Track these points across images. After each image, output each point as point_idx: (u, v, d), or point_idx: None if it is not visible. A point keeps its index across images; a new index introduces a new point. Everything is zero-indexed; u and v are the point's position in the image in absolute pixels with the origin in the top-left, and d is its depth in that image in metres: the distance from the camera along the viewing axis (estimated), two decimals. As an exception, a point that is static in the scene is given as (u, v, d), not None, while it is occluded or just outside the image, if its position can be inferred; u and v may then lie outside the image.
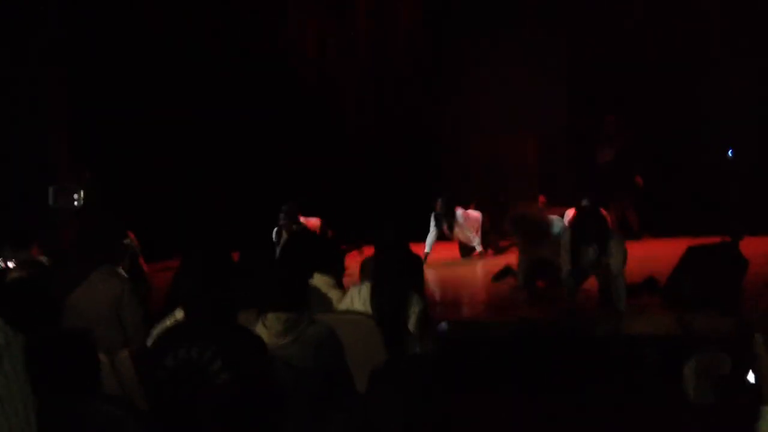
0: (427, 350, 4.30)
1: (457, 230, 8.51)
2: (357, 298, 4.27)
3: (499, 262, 7.94)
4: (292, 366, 3.31)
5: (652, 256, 7.53)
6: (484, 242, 8.67)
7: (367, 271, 4.71)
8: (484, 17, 9.94)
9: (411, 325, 4.21)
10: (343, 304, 4.31)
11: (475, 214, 8.65)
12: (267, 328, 2.96)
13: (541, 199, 8.63)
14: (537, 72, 9.68)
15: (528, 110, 9.38)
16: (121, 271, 4.34)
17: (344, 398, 3.50)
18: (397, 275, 4.23)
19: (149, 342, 3.57)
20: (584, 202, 6.31)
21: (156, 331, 3.61)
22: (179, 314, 3.38)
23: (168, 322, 3.56)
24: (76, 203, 7.35)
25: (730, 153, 5.82)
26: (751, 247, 6.05)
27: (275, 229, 7.83)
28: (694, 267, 5.30)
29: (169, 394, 2.53)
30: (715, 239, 6.21)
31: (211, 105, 9.89)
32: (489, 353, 5.06)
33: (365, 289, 4.29)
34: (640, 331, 5.18)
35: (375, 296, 4.22)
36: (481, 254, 8.64)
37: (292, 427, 3.02)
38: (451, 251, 8.92)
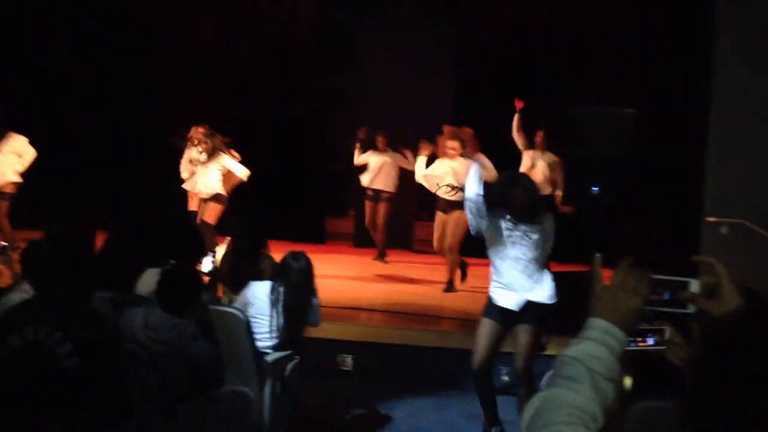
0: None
1: None
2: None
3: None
4: (154, 354, 3.22)
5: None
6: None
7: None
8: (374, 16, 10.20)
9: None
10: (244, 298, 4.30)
11: None
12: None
13: None
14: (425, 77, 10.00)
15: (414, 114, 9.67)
16: None
17: (209, 388, 3.45)
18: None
19: (-5, 315, 3.35)
20: None
21: (3, 303, 3.40)
22: (26, 287, 3.19)
23: (14, 295, 3.36)
24: None
25: (594, 189, 6.12)
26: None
27: None
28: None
29: (10, 375, 2.38)
30: (577, 267, 6.53)
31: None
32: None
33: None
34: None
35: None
36: None
37: (148, 416, 2.93)
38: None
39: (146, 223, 4.37)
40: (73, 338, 2.35)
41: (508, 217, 4.27)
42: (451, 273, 7.33)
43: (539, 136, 7.97)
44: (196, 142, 7.72)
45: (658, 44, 8.55)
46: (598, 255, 1.52)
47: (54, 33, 9.73)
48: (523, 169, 7.64)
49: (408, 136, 8.82)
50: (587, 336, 1.32)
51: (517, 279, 4.32)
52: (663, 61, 8.49)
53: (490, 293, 4.44)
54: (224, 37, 10.39)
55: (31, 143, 8.08)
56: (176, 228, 4.25)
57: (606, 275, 1.44)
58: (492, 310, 4.38)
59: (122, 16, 10.00)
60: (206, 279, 4.26)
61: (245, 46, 10.36)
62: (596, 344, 1.30)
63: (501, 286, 4.37)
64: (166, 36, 10.26)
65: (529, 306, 4.34)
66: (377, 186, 8.73)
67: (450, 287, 7.32)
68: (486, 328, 4.37)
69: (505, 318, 4.35)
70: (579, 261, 6.53)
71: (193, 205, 7.81)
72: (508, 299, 4.35)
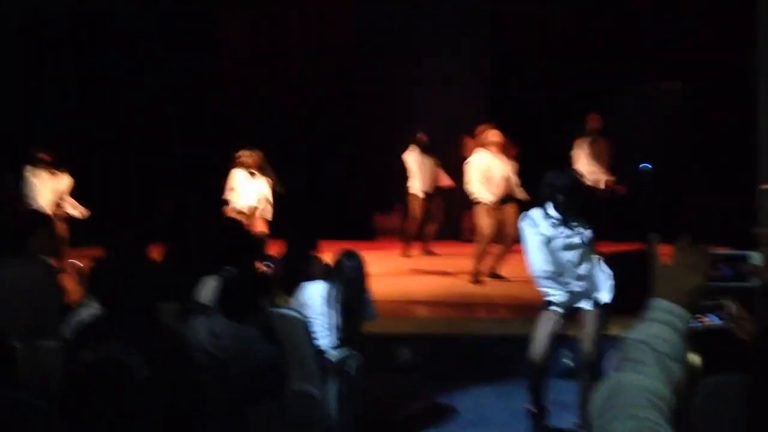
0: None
1: None
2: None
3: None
4: (220, 360, 3.29)
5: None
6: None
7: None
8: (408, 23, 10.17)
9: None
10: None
11: None
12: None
13: None
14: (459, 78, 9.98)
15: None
16: (45, 258, 4.14)
17: (275, 390, 3.51)
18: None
19: (67, 331, 3.47)
20: None
21: (72, 321, 3.52)
22: (95, 304, 3.29)
23: (83, 312, 3.46)
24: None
25: (646, 166, 6.01)
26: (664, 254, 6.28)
27: None
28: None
29: (85, 389, 2.47)
30: (632, 246, 6.44)
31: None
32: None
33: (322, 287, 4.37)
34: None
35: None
36: None
37: (217, 422, 3.00)
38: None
39: (202, 231, 4.46)
40: (143, 351, 2.43)
41: (563, 220, 4.14)
42: (498, 260, 7.36)
43: (596, 120, 7.74)
44: (246, 163, 7.90)
45: (701, 12, 8.36)
46: (654, 234, 1.51)
47: (101, 56, 9.90)
48: (583, 160, 7.55)
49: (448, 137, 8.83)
50: (650, 317, 1.31)
51: (576, 279, 4.27)
52: (706, 29, 8.30)
53: (540, 289, 4.32)
54: (266, 43, 10.51)
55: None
56: (232, 234, 4.33)
57: (664, 252, 1.43)
58: (545, 301, 4.32)
59: (164, 39, 10.17)
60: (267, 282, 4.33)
61: (288, 47, 10.45)
62: (660, 325, 1.29)
63: (561, 287, 4.27)
64: (205, 50, 10.42)
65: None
66: (430, 188, 8.77)
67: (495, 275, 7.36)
68: (548, 318, 4.31)
69: (567, 310, 4.31)
70: (635, 239, 6.45)
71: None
72: (569, 298, 4.30)
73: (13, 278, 3.86)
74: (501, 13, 9.81)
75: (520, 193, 7.23)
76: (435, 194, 8.85)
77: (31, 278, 3.87)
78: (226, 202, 8.12)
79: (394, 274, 7.83)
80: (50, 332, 3.63)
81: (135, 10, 9.80)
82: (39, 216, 4.97)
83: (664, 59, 8.31)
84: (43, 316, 3.80)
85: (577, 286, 4.27)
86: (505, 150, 7.26)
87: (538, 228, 4.17)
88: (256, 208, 7.96)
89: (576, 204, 4.14)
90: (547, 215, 4.16)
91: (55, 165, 8.11)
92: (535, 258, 4.21)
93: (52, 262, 4.09)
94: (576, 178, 4.36)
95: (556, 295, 4.27)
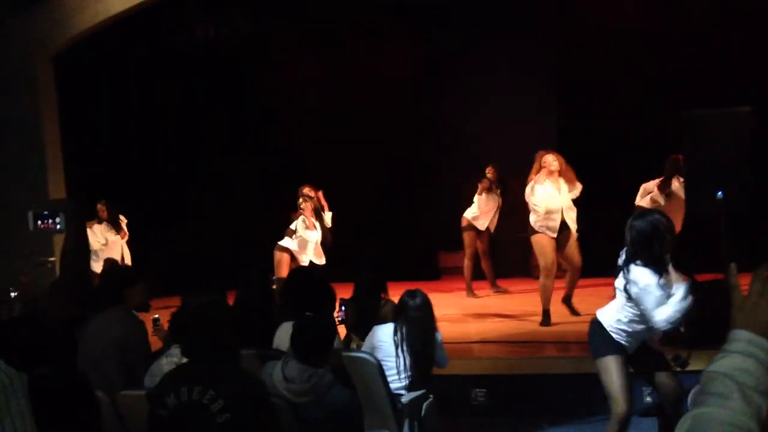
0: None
1: None
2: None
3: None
4: (294, 404, 3.33)
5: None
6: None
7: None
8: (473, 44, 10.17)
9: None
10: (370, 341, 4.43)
11: None
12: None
13: None
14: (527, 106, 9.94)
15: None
16: (134, 312, 4.25)
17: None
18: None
19: (147, 380, 3.57)
20: None
21: (154, 368, 3.62)
22: (175, 351, 3.39)
23: (164, 360, 3.57)
24: (58, 227, 7.50)
25: (719, 194, 5.82)
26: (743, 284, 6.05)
27: None
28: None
29: (169, 432, 2.54)
30: (709, 276, 6.23)
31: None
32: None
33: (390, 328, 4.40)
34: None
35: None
36: None
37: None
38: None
39: (281, 278, 4.54)
40: (224, 396, 2.50)
41: (656, 266, 3.92)
42: (572, 288, 7.17)
43: (680, 161, 7.17)
44: (302, 205, 7.90)
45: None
46: (732, 264, 1.48)
47: (159, 97, 10.01)
48: (672, 205, 7.28)
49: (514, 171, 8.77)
50: (732, 349, 1.29)
51: (650, 333, 4.19)
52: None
53: (613, 334, 4.15)
54: (333, 84, 10.70)
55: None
56: (307, 281, 4.40)
57: (743, 282, 1.40)
58: (613, 345, 4.16)
59: (227, 79, 10.46)
60: (341, 327, 4.37)
61: (354, 88, 10.61)
62: (742, 357, 1.27)
63: (630, 335, 4.14)
64: (268, 91, 10.69)
65: None
66: (489, 226, 8.71)
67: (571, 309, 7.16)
68: (616, 364, 4.13)
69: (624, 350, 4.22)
70: (711, 270, 6.26)
71: (284, 272, 7.70)
72: (633, 345, 4.20)
73: (105, 330, 3.99)
74: (568, 49, 9.75)
75: (573, 224, 6.95)
76: (486, 233, 8.71)
77: (121, 331, 4.00)
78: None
79: (464, 313, 7.78)
80: (135, 382, 3.74)
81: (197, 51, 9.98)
82: (136, 272, 5.14)
83: (733, 85, 8.16)
84: (130, 366, 3.91)
85: (648, 332, 4.16)
86: (565, 175, 7.04)
87: (655, 280, 3.92)
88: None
89: (662, 248, 3.94)
90: (646, 264, 3.93)
91: (115, 220, 8.30)
92: (662, 310, 3.93)
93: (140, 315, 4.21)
94: (659, 222, 4.01)
95: (627, 341, 4.16)
